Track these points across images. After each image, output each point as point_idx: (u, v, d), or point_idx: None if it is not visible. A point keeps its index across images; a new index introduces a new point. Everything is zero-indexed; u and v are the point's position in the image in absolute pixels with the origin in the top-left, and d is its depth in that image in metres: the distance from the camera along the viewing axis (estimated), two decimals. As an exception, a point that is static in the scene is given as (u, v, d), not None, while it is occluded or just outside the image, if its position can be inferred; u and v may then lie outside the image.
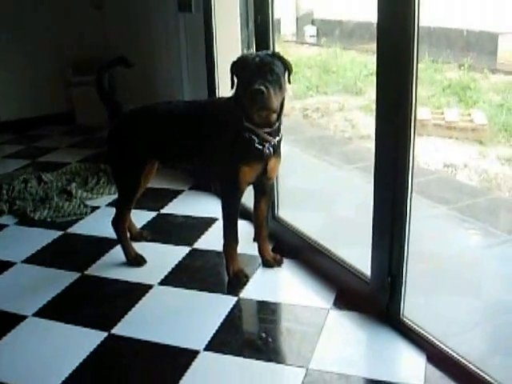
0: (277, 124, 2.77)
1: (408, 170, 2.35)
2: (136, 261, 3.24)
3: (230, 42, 3.90)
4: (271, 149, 2.78)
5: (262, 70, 2.60)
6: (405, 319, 2.53)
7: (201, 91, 3.99)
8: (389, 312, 2.59)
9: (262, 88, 2.54)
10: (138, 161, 3.08)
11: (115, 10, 5.99)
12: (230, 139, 2.78)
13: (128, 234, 3.34)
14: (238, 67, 2.73)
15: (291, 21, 11.88)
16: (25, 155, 5.40)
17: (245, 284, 2.99)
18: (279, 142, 2.84)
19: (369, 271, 2.68)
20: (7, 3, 5.97)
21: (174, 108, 3.06)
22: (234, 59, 2.79)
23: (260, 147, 2.75)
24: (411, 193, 2.40)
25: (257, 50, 3.18)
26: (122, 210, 3.23)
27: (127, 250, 3.26)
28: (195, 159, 3.06)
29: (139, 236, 3.50)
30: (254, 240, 3.22)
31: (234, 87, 2.78)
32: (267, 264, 3.16)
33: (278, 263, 3.16)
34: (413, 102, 2.27)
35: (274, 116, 2.72)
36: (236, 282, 2.99)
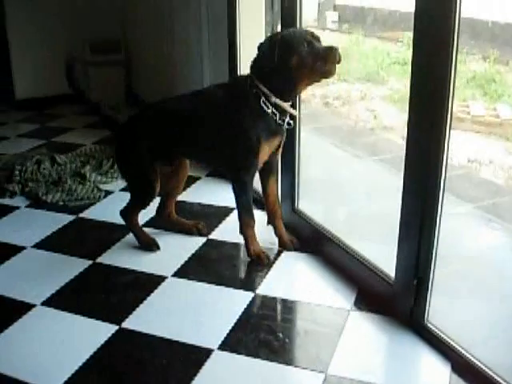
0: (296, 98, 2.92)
1: (441, 166, 2.21)
2: (149, 246, 3.19)
3: (253, 24, 3.77)
4: (291, 122, 2.87)
5: (316, 38, 2.73)
6: (429, 324, 2.41)
7: (221, 73, 3.86)
8: (412, 316, 2.46)
9: (334, 45, 2.66)
10: (146, 168, 3.03)
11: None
12: (250, 117, 2.80)
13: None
14: (283, 43, 2.70)
15: (313, 6, 11.72)
16: (39, 135, 5.32)
17: (268, 263, 2.98)
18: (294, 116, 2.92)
19: (393, 271, 2.55)
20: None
21: (180, 102, 3.02)
22: (268, 37, 2.81)
23: (281, 122, 2.82)
24: (443, 191, 2.26)
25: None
26: (134, 207, 3.19)
27: (139, 237, 3.22)
28: (209, 148, 3.01)
29: (194, 229, 3.36)
30: (268, 223, 3.18)
31: (254, 67, 2.84)
32: (285, 247, 3.14)
33: (295, 246, 3.13)
34: (450, 95, 2.13)
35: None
36: (258, 262, 2.99)
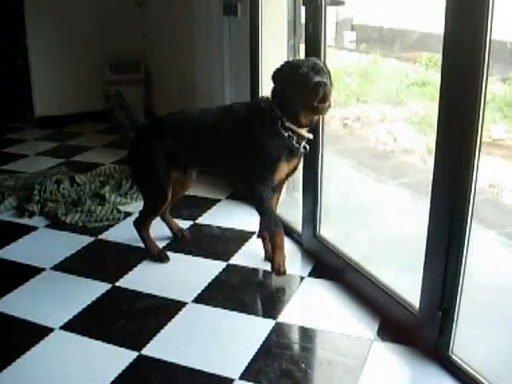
0: (313, 125, 2.91)
1: (470, 192, 2.18)
2: (159, 257, 3.26)
3: (275, 48, 3.76)
4: (307, 146, 2.91)
5: (317, 69, 2.73)
6: (454, 356, 2.36)
7: (243, 95, 3.86)
8: (437, 348, 2.41)
9: (324, 80, 2.67)
10: (160, 173, 3.09)
11: (155, 9, 5.90)
12: (270, 139, 2.85)
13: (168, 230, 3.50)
14: (287, 71, 2.80)
15: (330, 25, 11.72)
16: (58, 153, 5.32)
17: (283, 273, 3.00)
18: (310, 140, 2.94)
19: (416, 301, 2.50)
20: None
21: (200, 115, 3.10)
22: (279, 66, 2.87)
23: (297, 145, 2.87)
24: (471, 217, 2.22)
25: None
26: (146, 216, 3.25)
27: (150, 247, 3.29)
28: (227, 162, 3.06)
29: (179, 233, 3.53)
30: (258, 236, 3.26)
31: (272, 91, 2.90)
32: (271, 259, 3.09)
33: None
34: (479, 119, 2.08)
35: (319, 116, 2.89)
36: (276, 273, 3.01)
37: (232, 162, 3.03)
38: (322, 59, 2.97)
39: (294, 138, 2.84)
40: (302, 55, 3.62)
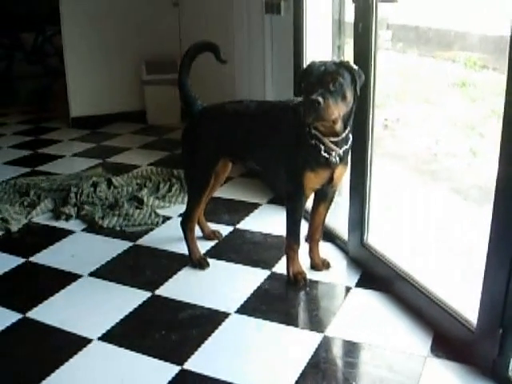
0: (344, 134, 2.71)
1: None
2: (199, 263, 3.19)
3: (319, 48, 3.65)
4: (337, 158, 2.74)
5: (324, 80, 2.52)
6: (514, 377, 2.22)
7: (284, 96, 3.73)
8: (495, 367, 2.27)
9: (319, 99, 2.47)
10: (208, 157, 3.05)
11: (192, 8, 5.82)
12: (297, 144, 2.76)
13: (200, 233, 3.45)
14: (303, 75, 2.66)
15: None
16: (94, 154, 5.25)
17: (304, 286, 2.96)
18: (347, 150, 2.79)
19: (474, 316, 2.35)
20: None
21: (246, 107, 3.02)
22: (304, 68, 2.75)
23: (326, 155, 2.72)
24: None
25: (355, 59, 2.91)
26: (191, 207, 3.19)
27: (192, 251, 3.22)
28: (263, 160, 3.05)
29: (212, 235, 3.50)
30: (306, 240, 3.17)
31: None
32: (315, 267, 3.14)
33: (327, 267, 3.14)
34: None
35: (339, 126, 2.66)
36: (294, 283, 2.97)
37: (271, 163, 3.01)
38: (372, 61, 2.84)
39: (321, 147, 2.70)
40: (347, 56, 3.50)
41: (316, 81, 2.53)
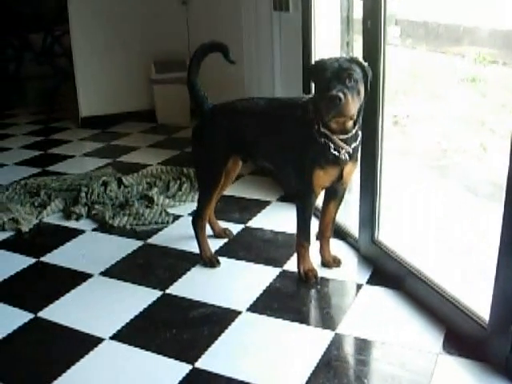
0: (354, 131, 2.70)
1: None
2: (210, 262, 3.18)
3: (328, 45, 3.63)
4: (347, 155, 2.73)
5: (341, 76, 2.52)
6: (527, 374, 2.20)
7: (294, 93, 3.73)
8: (508, 364, 2.25)
9: (340, 94, 2.47)
10: (218, 154, 3.05)
11: (201, 6, 5.81)
12: (305, 142, 2.75)
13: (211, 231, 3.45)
14: (315, 72, 2.64)
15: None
16: (104, 154, 5.26)
17: (315, 283, 2.96)
18: (356, 148, 2.78)
19: (486, 313, 2.34)
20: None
21: (255, 104, 3.01)
22: (312, 63, 2.76)
23: (336, 153, 2.70)
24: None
25: (363, 56, 2.89)
26: (201, 205, 3.19)
27: (203, 249, 3.22)
28: (273, 157, 3.04)
29: (222, 233, 3.50)
30: (317, 238, 3.18)
31: (312, 92, 2.74)
32: (326, 265, 3.13)
33: (338, 264, 3.14)
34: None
35: (351, 123, 2.66)
36: (305, 280, 2.97)
37: (280, 161, 3.01)
38: (382, 57, 2.83)
39: (331, 145, 2.69)
40: (356, 53, 3.48)
41: (333, 77, 2.51)
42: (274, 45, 4.09)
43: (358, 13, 3.38)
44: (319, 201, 3.06)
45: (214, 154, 3.05)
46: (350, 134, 2.70)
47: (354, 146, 2.74)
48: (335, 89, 2.47)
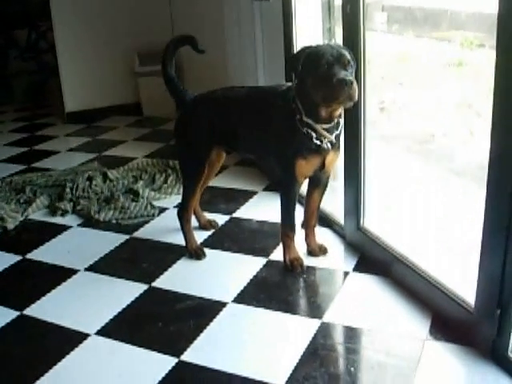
0: (335, 120, 2.69)
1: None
2: (196, 254, 3.17)
3: (310, 33, 3.62)
4: (329, 144, 2.72)
5: (342, 62, 2.51)
6: (513, 357, 2.20)
7: (277, 82, 3.70)
8: (495, 347, 2.24)
9: (351, 78, 2.45)
10: (201, 146, 3.04)
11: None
12: (287, 131, 2.72)
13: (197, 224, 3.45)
14: (308, 59, 2.57)
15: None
16: (90, 149, 5.24)
17: (301, 272, 2.95)
18: (338, 136, 2.77)
19: (472, 297, 2.33)
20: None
21: (235, 94, 3.00)
22: (297, 52, 2.68)
23: (318, 142, 2.69)
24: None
25: (343, 41, 2.87)
26: (186, 197, 3.18)
27: (188, 241, 3.21)
28: (254, 148, 3.04)
29: (208, 225, 3.49)
30: (302, 227, 3.16)
31: (295, 80, 2.69)
32: (312, 253, 3.12)
33: (324, 252, 3.13)
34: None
35: (340, 111, 2.67)
36: (291, 269, 2.96)
37: (262, 151, 3.01)
38: (361, 42, 2.80)
39: (313, 134, 2.67)
40: (338, 39, 3.46)
41: (335, 62, 2.49)
42: (256, 34, 4.06)
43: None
44: (304, 189, 3.04)
45: (196, 145, 3.04)
46: (332, 123, 2.69)
47: (335, 134, 2.73)
48: (341, 74, 2.45)
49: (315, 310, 2.66)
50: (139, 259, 3.20)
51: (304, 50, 2.62)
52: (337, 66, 2.48)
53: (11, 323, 2.70)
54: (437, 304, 2.56)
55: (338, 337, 2.52)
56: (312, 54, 2.55)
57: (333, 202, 3.38)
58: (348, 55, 2.54)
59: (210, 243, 3.30)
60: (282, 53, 3.67)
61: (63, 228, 3.63)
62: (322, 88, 2.51)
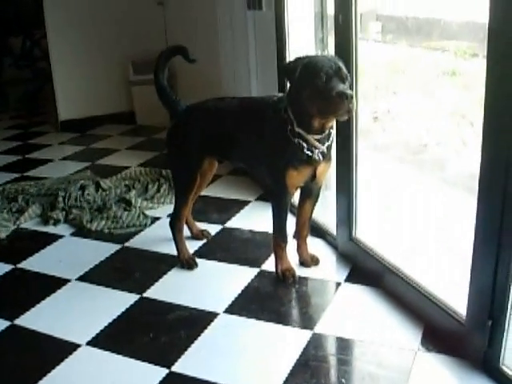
0: (328, 130, 2.69)
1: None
2: (188, 264, 3.16)
3: (302, 42, 3.63)
4: (320, 155, 2.70)
5: (340, 75, 2.50)
6: (505, 368, 2.19)
7: (270, 91, 3.71)
8: (486, 359, 2.24)
9: (351, 92, 2.45)
10: (193, 156, 3.03)
11: (177, 7, 5.79)
12: (278, 142, 2.71)
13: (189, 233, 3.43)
14: (304, 70, 2.55)
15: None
16: (83, 157, 5.24)
17: (293, 283, 2.93)
18: (329, 146, 2.76)
19: (463, 309, 2.33)
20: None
21: (227, 104, 3.00)
22: (291, 62, 2.66)
23: (309, 153, 2.67)
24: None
25: (336, 51, 2.88)
26: (178, 207, 3.18)
27: (180, 251, 3.21)
28: (246, 158, 3.02)
29: (200, 235, 3.48)
30: (294, 237, 3.14)
31: (287, 90, 2.71)
32: (304, 264, 3.11)
33: (316, 263, 3.12)
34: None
35: (332, 122, 2.67)
36: (283, 280, 2.95)
37: (254, 161, 2.99)
38: (354, 52, 2.81)
39: (304, 144, 2.65)
40: (330, 49, 3.47)
41: (334, 75, 2.48)
42: (249, 43, 4.07)
43: (331, 9, 3.37)
44: (296, 199, 3.04)
45: (188, 155, 3.03)
46: (323, 134, 2.68)
47: (327, 145, 2.72)
48: (340, 87, 2.45)
49: (307, 321, 2.65)
50: (131, 269, 3.19)
51: (301, 59, 2.61)
52: (335, 79, 2.47)
53: (1, 333, 2.69)
54: (428, 315, 2.55)
55: (330, 348, 2.51)
56: (310, 65, 2.53)
57: (325, 212, 3.37)
58: (344, 69, 2.54)
59: (202, 253, 3.29)
60: (274, 62, 3.68)
61: (55, 237, 3.62)
62: (319, 100, 2.50)
